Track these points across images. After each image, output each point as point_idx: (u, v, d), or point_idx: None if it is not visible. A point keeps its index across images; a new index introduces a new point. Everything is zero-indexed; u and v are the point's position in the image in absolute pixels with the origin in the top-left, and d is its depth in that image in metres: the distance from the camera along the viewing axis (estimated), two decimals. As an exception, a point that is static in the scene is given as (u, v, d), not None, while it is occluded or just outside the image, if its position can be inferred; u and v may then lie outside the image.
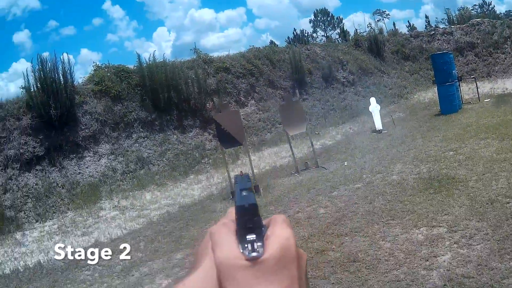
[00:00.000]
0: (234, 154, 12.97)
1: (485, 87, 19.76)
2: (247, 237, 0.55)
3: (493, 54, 23.45)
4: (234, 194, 0.67)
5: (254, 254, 0.53)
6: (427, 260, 5.41)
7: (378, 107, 13.83)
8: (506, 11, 37.59)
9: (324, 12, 45.32)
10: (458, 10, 32.87)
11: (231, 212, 0.61)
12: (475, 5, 40.67)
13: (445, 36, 25.33)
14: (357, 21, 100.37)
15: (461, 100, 15.99)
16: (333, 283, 5.20)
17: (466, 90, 17.95)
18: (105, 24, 64.70)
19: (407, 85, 21.31)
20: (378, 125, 13.67)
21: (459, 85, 15.96)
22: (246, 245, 0.54)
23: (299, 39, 35.26)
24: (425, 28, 29.20)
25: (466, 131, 11.65)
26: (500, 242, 5.58)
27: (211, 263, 0.55)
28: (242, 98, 16.47)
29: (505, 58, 23.01)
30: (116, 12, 72.68)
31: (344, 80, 19.94)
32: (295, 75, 18.46)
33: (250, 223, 0.56)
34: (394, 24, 47.77)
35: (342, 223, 6.90)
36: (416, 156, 9.97)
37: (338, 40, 28.72)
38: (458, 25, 26.54)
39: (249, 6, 79.24)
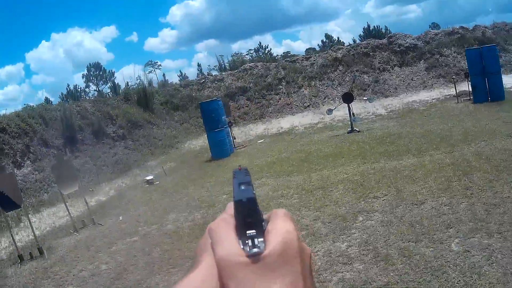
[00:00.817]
0: (16, 217, 12.75)
1: (258, 128, 21.91)
2: (247, 232, 0.56)
3: (266, 96, 25.68)
4: (232, 189, 0.66)
5: (255, 250, 0.54)
6: None
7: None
8: (284, 53, 40.75)
9: (96, 66, 45.81)
10: (231, 56, 35.69)
11: (230, 207, 0.63)
12: (250, 50, 44.08)
13: (216, 83, 27.10)
14: (129, 74, 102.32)
15: (233, 144, 17.45)
16: None
17: (239, 133, 19.67)
18: None
19: (177, 134, 22.43)
20: (149, 176, 14.51)
21: (230, 130, 17.44)
22: (246, 241, 0.56)
23: (72, 94, 35.01)
24: (197, 77, 30.89)
25: (238, 174, 12.94)
26: None
27: (212, 261, 0.56)
28: (18, 159, 16.26)
29: (279, 99, 25.37)
30: None
31: (114, 135, 20.46)
32: (66, 133, 18.72)
33: (249, 217, 0.58)
34: (164, 75, 50.31)
35: (124, 277, 7.30)
36: (189, 203, 10.83)
37: (109, 94, 29.17)
38: (229, 71, 28.64)
39: (28, 61, 76.32)
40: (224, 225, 0.60)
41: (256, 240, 0.56)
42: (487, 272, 5.43)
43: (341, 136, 16.10)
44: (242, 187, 0.63)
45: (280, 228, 0.58)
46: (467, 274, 5.47)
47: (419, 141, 12.45)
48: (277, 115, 23.99)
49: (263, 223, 0.60)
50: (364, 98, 20.25)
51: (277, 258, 0.54)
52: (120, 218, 10.93)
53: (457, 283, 5.36)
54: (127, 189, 14.43)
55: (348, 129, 16.46)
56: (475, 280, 5.33)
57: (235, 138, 18.43)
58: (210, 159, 16.25)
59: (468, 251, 6.08)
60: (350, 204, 8.64)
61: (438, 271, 5.72)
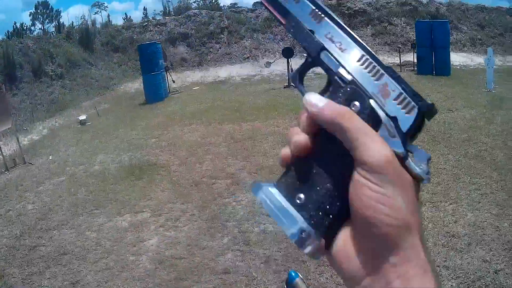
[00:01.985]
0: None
1: (196, 76, 21.66)
2: (423, 153, 0.54)
3: (207, 44, 25.09)
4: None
5: (428, 176, 0.53)
6: (135, 246, 6.14)
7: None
8: (231, 4, 40.13)
9: (44, 4, 44.18)
10: (178, 2, 34.85)
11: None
12: (199, -3, 43.22)
13: (158, 27, 26.30)
14: (76, 14, 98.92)
15: (168, 89, 17.38)
16: (48, 278, 5.62)
17: (175, 79, 19.43)
18: None
19: (114, 76, 22.00)
20: (82, 116, 14.35)
21: (166, 75, 17.35)
22: (418, 163, 0.53)
23: (18, 32, 33.76)
24: (141, 20, 30.16)
25: (170, 119, 12.94)
26: (209, 222, 6.56)
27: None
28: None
29: (219, 48, 24.85)
30: None
31: (52, 73, 19.96)
32: (6, 70, 18.17)
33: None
34: (108, 16, 48.88)
35: (49, 217, 7.33)
36: (118, 146, 10.82)
37: (53, 33, 28.23)
38: (173, 16, 27.84)
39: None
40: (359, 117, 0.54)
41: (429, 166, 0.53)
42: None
43: (277, 90, 16.05)
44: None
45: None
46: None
47: None
48: (216, 64, 23.65)
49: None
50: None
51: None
52: (50, 157, 10.83)
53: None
54: (60, 128, 14.23)
55: (285, 84, 16.41)
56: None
57: (174, 82, 18.26)
58: (144, 102, 16.15)
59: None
60: (278, 156, 8.79)
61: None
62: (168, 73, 17.76)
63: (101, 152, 10.50)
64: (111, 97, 18.83)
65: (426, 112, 0.54)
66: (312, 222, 0.55)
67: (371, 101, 0.55)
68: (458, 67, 18.74)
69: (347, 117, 0.53)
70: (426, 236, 5.60)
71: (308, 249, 0.54)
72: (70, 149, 11.26)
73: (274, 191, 0.59)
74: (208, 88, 18.46)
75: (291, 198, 0.58)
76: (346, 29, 0.61)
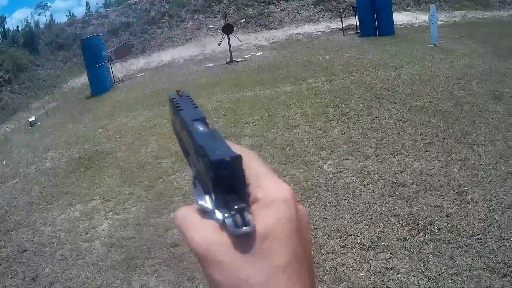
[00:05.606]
0: None
1: (140, 63, 21.41)
2: (233, 204, 0.44)
3: (148, 30, 24.86)
4: (181, 127, 0.55)
5: (245, 229, 0.43)
6: (87, 233, 6.13)
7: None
8: None
9: (-12, 12, 42.85)
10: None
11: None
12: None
13: (100, 20, 26.02)
14: (20, 18, 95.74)
15: (113, 79, 17.15)
16: (11, 277, 5.57)
17: (120, 68, 19.31)
18: None
19: (60, 74, 21.62)
20: (32, 118, 14.09)
21: (110, 65, 17.11)
22: (232, 217, 0.44)
23: None
24: (84, 15, 29.64)
25: (115, 107, 12.84)
26: (155, 200, 6.59)
27: None
28: None
29: (162, 32, 24.61)
30: None
31: (0, 80, 19.59)
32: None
33: (232, 183, 0.45)
34: (51, 15, 47.38)
35: (6, 219, 7.21)
36: (67, 140, 10.68)
37: (-1, 40, 27.53)
38: (114, 7, 27.49)
39: None
40: (189, 209, 0.49)
41: (246, 215, 0.44)
42: (362, 193, 5.53)
43: (220, 66, 16.04)
44: (200, 128, 0.52)
45: (274, 197, 0.47)
46: (340, 194, 5.55)
47: (298, 70, 12.46)
48: (159, 49, 23.41)
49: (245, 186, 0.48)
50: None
51: (270, 238, 0.44)
52: (4, 162, 10.62)
53: (329, 202, 5.43)
54: (11, 132, 13.93)
55: (227, 60, 16.40)
56: (349, 200, 5.40)
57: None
58: (90, 95, 15.89)
59: (341, 172, 6.13)
60: (221, 129, 8.65)
61: (309, 190, 5.80)
62: (110, 64, 17.45)
63: (51, 149, 10.34)
64: (59, 95, 18.51)
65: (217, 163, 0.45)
66: None
67: (196, 187, 0.51)
68: (403, 26, 18.65)
69: (176, 224, 0.50)
70: (372, 188, 5.64)
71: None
72: (22, 151, 11.05)
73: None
74: (152, 73, 18.29)
75: None
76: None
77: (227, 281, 0.43)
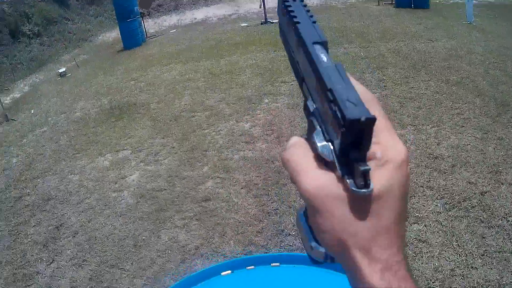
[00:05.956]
0: None
1: (172, 20, 21.03)
2: (358, 166, 0.43)
3: None
4: (297, 46, 0.53)
5: (364, 191, 0.43)
6: (116, 183, 5.99)
7: None
8: None
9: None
10: None
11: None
12: None
13: None
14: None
15: (145, 34, 16.85)
16: (34, 226, 5.45)
17: (152, 24, 18.97)
18: None
19: (91, 28, 21.31)
20: (62, 69, 13.93)
21: (142, 20, 16.72)
22: (354, 177, 0.44)
23: None
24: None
25: (148, 61, 12.57)
26: (188, 153, 6.42)
27: None
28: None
29: None
30: None
31: (30, 33, 19.44)
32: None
33: (361, 144, 0.44)
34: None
35: (33, 167, 7.12)
36: (98, 91, 10.52)
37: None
38: None
39: None
40: (302, 152, 0.49)
41: (368, 178, 0.43)
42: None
43: (254, 27, 15.59)
44: (324, 59, 0.48)
45: (390, 157, 0.47)
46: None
47: (334, 35, 12.02)
48: (192, 7, 22.95)
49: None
50: None
51: (382, 200, 0.45)
52: (32, 111, 10.50)
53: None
54: (40, 83, 13.75)
55: (262, 20, 15.93)
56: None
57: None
58: (122, 49, 15.66)
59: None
60: (257, 87, 8.58)
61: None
62: (143, 19, 17.10)
63: (81, 99, 10.18)
64: (90, 48, 18.27)
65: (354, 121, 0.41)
66: None
67: (316, 129, 0.49)
68: (437, 1, 17.83)
69: (284, 162, 0.50)
70: (409, 158, 5.39)
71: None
72: (51, 101, 10.89)
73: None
74: (185, 30, 17.88)
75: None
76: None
77: (333, 231, 0.45)
